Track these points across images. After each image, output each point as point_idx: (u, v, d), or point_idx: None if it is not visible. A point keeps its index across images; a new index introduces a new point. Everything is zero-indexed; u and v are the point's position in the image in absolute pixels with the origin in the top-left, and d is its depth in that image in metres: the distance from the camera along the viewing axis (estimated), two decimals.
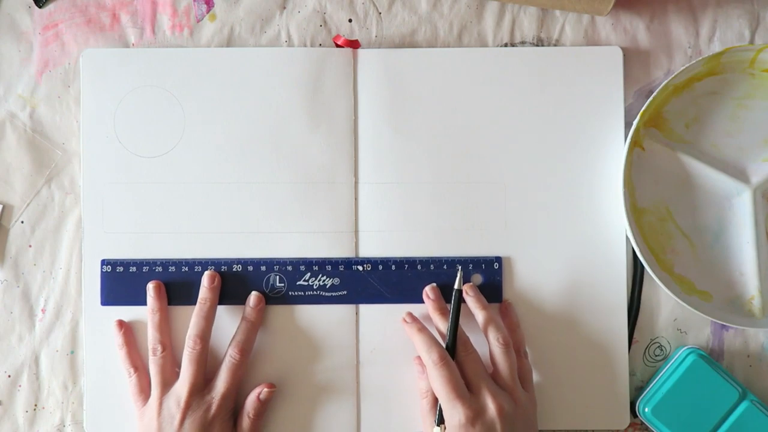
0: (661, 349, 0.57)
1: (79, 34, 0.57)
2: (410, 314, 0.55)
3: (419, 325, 0.54)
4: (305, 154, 0.56)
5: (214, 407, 0.52)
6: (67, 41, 0.57)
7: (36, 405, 0.56)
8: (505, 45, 0.57)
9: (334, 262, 0.56)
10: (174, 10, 0.57)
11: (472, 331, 0.54)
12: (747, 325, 0.55)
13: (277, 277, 0.56)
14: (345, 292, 0.56)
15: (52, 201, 0.57)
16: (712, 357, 0.56)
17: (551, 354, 0.56)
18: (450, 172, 0.56)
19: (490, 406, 0.50)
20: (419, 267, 0.56)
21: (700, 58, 0.54)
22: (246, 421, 0.53)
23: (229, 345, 0.54)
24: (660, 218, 0.57)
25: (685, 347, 0.56)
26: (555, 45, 0.57)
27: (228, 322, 0.55)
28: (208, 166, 0.56)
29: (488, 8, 0.58)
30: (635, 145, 0.56)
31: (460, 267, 0.55)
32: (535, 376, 0.56)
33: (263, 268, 0.56)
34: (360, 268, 0.56)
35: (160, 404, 0.52)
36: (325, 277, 0.56)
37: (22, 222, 0.57)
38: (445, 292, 0.55)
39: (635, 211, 0.56)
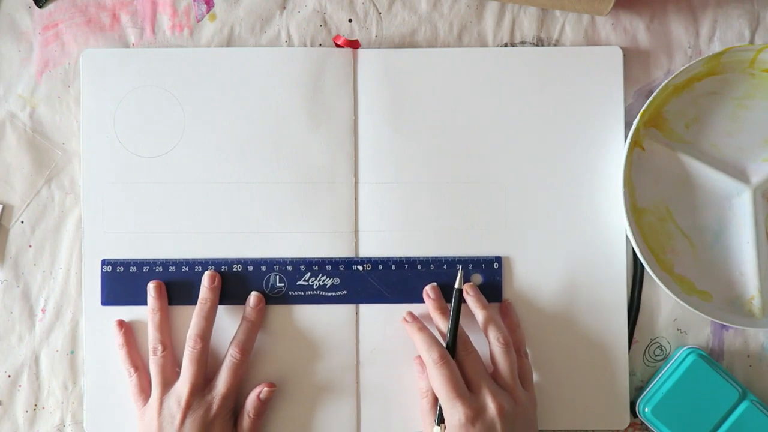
0: (661, 349, 0.57)
1: (79, 34, 0.57)
2: (411, 313, 0.55)
3: (419, 324, 0.54)
4: (305, 154, 0.56)
5: (214, 407, 0.52)
6: (67, 41, 0.57)
7: (36, 405, 0.56)
8: (505, 45, 0.57)
9: (334, 262, 0.56)
10: (174, 10, 0.57)
11: (472, 330, 0.54)
12: (747, 325, 0.55)
13: (277, 277, 0.56)
14: (345, 292, 0.56)
15: (52, 201, 0.57)
16: (712, 357, 0.56)
17: (551, 354, 0.56)
18: (450, 172, 0.56)
19: (490, 406, 0.50)
20: (419, 267, 0.56)
21: (700, 58, 0.54)
22: (246, 421, 0.53)
23: (230, 345, 0.54)
24: (660, 218, 0.57)
25: (685, 347, 0.56)
26: (555, 45, 0.57)
27: (228, 322, 0.55)
28: (208, 166, 0.56)
29: (488, 8, 0.58)
30: (635, 145, 0.56)
31: (461, 266, 0.55)
32: (535, 376, 0.56)
33: (263, 268, 0.56)
34: (360, 268, 0.56)
35: (161, 404, 0.52)
36: (325, 277, 0.56)
37: (22, 222, 0.57)
38: (445, 292, 0.55)
39: (635, 211, 0.56)
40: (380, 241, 0.56)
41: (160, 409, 0.52)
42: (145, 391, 0.54)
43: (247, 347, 0.53)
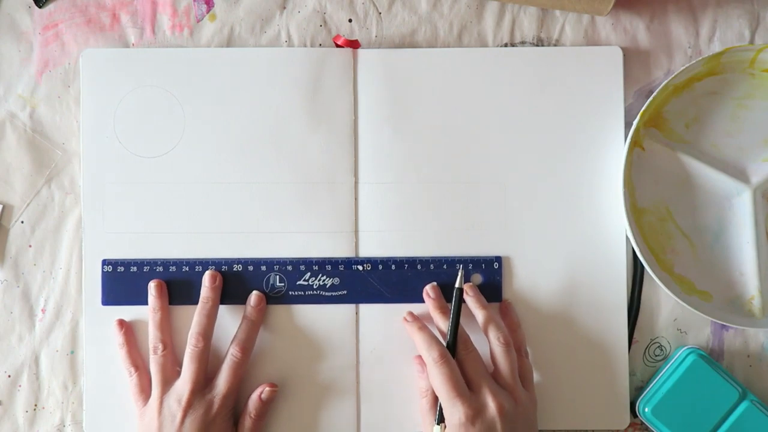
0: (661, 349, 0.57)
1: (79, 34, 0.57)
2: (411, 313, 0.55)
3: (420, 323, 0.54)
4: (305, 154, 0.56)
5: (215, 406, 0.52)
6: (67, 41, 0.57)
7: (36, 405, 0.56)
8: (505, 45, 0.57)
9: (334, 262, 0.56)
10: (174, 10, 0.57)
11: (473, 330, 0.54)
12: (747, 325, 0.55)
13: (277, 276, 0.56)
14: (345, 292, 0.56)
15: (52, 201, 0.57)
16: (712, 357, 0.56)
17: (551, 354, 0.56)
18: (450, 172, 0.56)
19: (491, 405, 0.50)
20: (419, 267, 0.56)
21: (700, 58, 0.54)
22: (248, 421, 0.53)
23: (231, 344, 0.54)
24: (660, 218, 0.57)
25: (685, 347, 0.56)
26: (555, 45, 0.57)
27: (228, 321, 0.55)
28: (208, 166, 0.56)
29: (488, 8, 0.58)
30: (635, 145, 0.56)
31: (461, 266, 0.55)
32: (535, 376, 0.56)
33: (263, 268, 0.56)
34: (360, 268, 0.56)
35: (161, 403, 0.52)
36: (325, 277, 0.56)
37: (22, 222, 0.57)
38: (445, 292, 0.55)
39: (635, 211, 0.56)
40: (380, 241, 0.56)
41: (160, 408, 0.52)
42: (145, 390, 0.54)
43: (247, 346, 0.53)
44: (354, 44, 0.56)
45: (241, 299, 0.55)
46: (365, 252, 0.56)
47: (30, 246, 0.57)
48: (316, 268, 0.56)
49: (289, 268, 0.56)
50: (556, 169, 0.56)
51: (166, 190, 0.56)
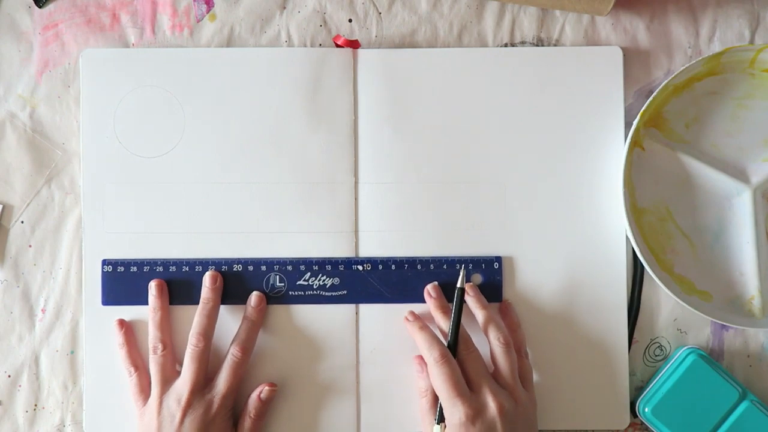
0: (661, 349, 0.57)
1: (79, 34, 0.57)
2: (412, 313, 0.55)
3: (421, 323, 0.54)
4: (305, 154, 0.56)
5: (214, 406, 0.52)
6: (67, 41, 0.57)
7: (36, 405, 0.56)
8: (505, 45, 0.57)
9: (334, 262, 0.56)
10: (174, 10, 0.57)
11: (473, 331, 0.54)
12: (747, 325, 0.55)
13: (277, 276, 0.56)
14: (345, 292, 0.56)
15: (52, 201, 0.57)
16: (712, 357, 0.56)
17: (551, 354, 0.56)
18: (450, 172, 0.56)
19: (491, 405, 0.50)
20: (419, 267, 0.56)
21: (700, 58, 0.54)
22: (247, 421, 0.53)
23: (231, 344, 0.54)
24: (660, 218, 0.57)
25: (685, 347, 0.56)
26: (555, 45, 0.57)
27: (228, 321, 0.55)
28: (208, 166, 0.56)
29: (488, 8, 0.58)
30: (635, 145, 0.56)
31: (462, 265, 0.55)
32: (535, 376, 0.56)
33: (263, 268, 0.56)
34: (360, 268, 0.56)
35: (160, 403, 0.52)
36: (325, 277, 0.56)
37: (22, 222, 0.57)
38: (445, 292, 0.55)
39: (635, 211, 0.56)
40: (380, 241, 0.56)
41: (159, 408, 0.52)
42: (144, 390, 0.54)
43: (248, 346, 0.53)
44: (354, 44, 0.56)
45: (241, 299, 0.55)
46: (365, 252, 0.56)
47: (30, 246, 0.57)
48: (316, 268, 0.56)
49: (289, 268, 0.56)
50: (556, 169, 0.56)
51: (166, 190, 0.56)
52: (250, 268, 0.56)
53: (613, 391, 0.56)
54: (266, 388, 0.54)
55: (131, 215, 0.56)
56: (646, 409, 0.54)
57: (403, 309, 0.55)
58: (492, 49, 0.57)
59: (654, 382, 0.55)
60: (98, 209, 0.56)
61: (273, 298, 0.56)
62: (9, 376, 0.56)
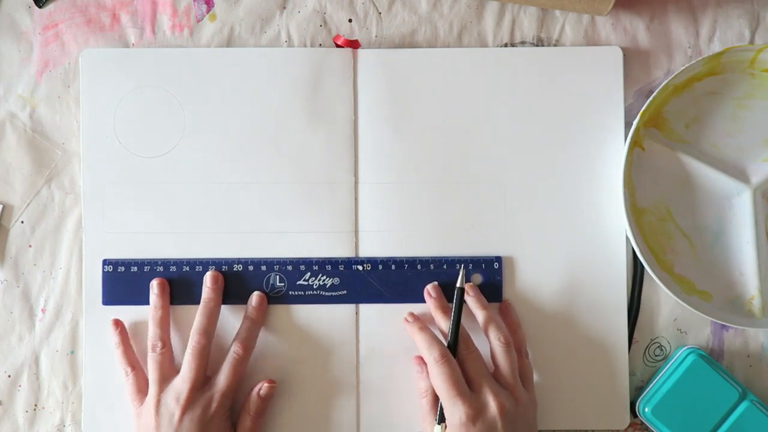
0: (661, 349, 0.57)
1: (79, 34, 0.57)
2: (412, 314, 0.55)
3: (420, 323, 0.54)
4: (305, 154, 0.56)
5: (214, 404, 0.52)
6: (67, 41, 0.57)
7: (36, 405, 0.56)
8: (505, 45, 0.57)
9: (334, 262, 0.56)
10: (174, 10, 0.57)
11: (473, 331, 0.54)
12: (747, 325, 0.55)
13: (278, 276, 0.56)
14: (345, 292, 0.56)
15: (52, 201, 0.57)
16: (712, 357, 0.56)
17: (551, 354, 0.56)
18: (450, 172, 0.56)
19: (492, 405, 0.50)
20: (419, 267, 0.56)
21: (700, 58, 0.54)
22: (247, 420, 0.53)
23: (232, 342, 0.53)
24: (660, 218, 0.57)
25: (685, 347, 0.56)
26: (555, 45, 0.57)
27: (229, 321, 0.55)
28: (208, 166, 0.56)
29: (488, 8, 0.58)
30: (635, 145, 0.56)
31: (462, 265, 0.55)
32: (535, 376, 0.56)
33: (263, 268, 0.56)
34: (360, 268, 0.56)
35: (158, 401, 0.52)
36: (325, 277, 0.56)
37: (22, 222, 0.57)
38: (445, 292, 0.55)
39: (635, 211, 0.56)
40: (380, 241, 0.56)
41: (157, 407, 0.51)
42: (142, 390, 0.54)
43: (249, 345, 0.53)
44: (354, 44, 0.56)
45: (241, 299, 0.55)
46: (365, 252, 0.56)
47: (30, 246, 0.57)
48: (316, 268, 0.56)
49: (289, 268, 0.56)
50: (556, 169, 0.56)
51: (166, 190, 0.56)
52: (250, 268, 0.56)
53: (613, 391, 0.56)
54: (265, 384, 0.54)
55: (131, 215, 0.56)
56: (646, 409, 0.54)
57: (403, 309, 0.56)
58: (492, 49, 0.57)
59: (654, 382, 0.55)
60: (98, 209, 0.56)
61: (273, 298, 0.56)
62: (9, 376, 0.56)
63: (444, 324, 0.54)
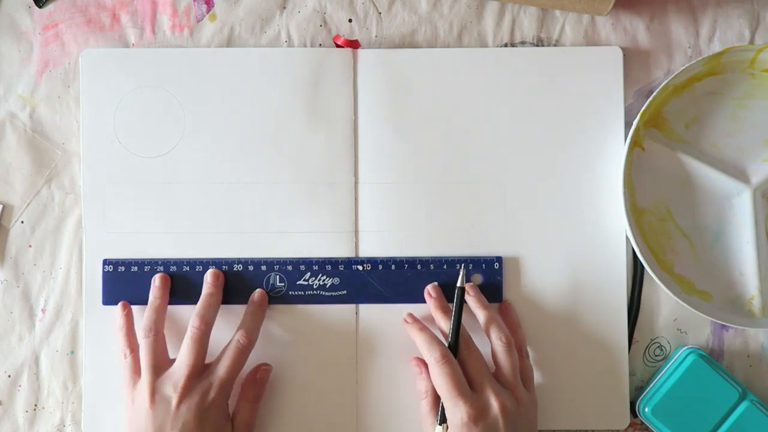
0: (661, 349, 0.57)
1: (79, 34, 0.57)
2: (411, 314, 0.55)
3: (420, 324, 0.54)
4: (305, 154, 0.56)
5: (212, 392, 0.50)
6: (67, 41, 0.57)
7: (36, 405, 0.56)
8: (505, 45, 0.57)
9: (334, 262, 0.56)
10: (174, 10, 0.57)
11: (473, 331, 0.54)
12: (747, 325, 0.55)
13: (278, 276, 0.56)
14: (345, 292, 0.56)
15: (52, 201, 0.57)
16: (712, 357, 0.56)
17: (551, 354, 0.56)
18: (450, 172, 0.56)
19: (494, 405, 0.50)
20: (419, 267, 0.56)
21: (700, 58, 0.54)
22: (245, 407, 0.53)
23: (236, 332, 0.53)
24: (660, 218, 0.57)
25: (685, 347, 0.56)
26: (555, 45, 0.57)
27: (228, 322, 0.55)
28: (208, 166, 0.56)
29: (488, 8, 0.58)
30: (635, 145, 0.56)
31: (463, 265, 0.55)
32: (536, 376, 0.56)
33: (263, 268, 0.56)
34: (360, 268, 0.56)
35: (154, 389, 0.50)
36: (325, 277, 0.56)
37: (22, 222, 0.57)
38: (445, 292, 0.55)
39: (635, 211, 0.56)
40: (380, 241, 0.56)
41: (152, 395, 0.50)
42: (138, 372, 0.52)
43: (253, 336, 0.53)
44: (354, 44, 0.56)
45: (241, 299, 0.55)
46: (365, 252, 0.56)
47: (30, 246, 0.57)
48: (316, 268, 0.56)
49: (289, 268, 0.56)
50: (556, 169, 0.56)
51: (166, 190, 0.56)
52: (250, 268, 0.56)
53: (613, 391, 0.56)
54: (261, 367, 0.53)
55: (131, 215, 0.56)
56: (646, 409, 0.54)
57: (403, 309, 0.56)
58: (492, 49, 0.57)
59: (654, 382, 0.55)
60: (98, 209, 0.56)
61: (273, 298, 0.56)
62: (9, 376, 0.56)
63: (444, 324, 0.53)
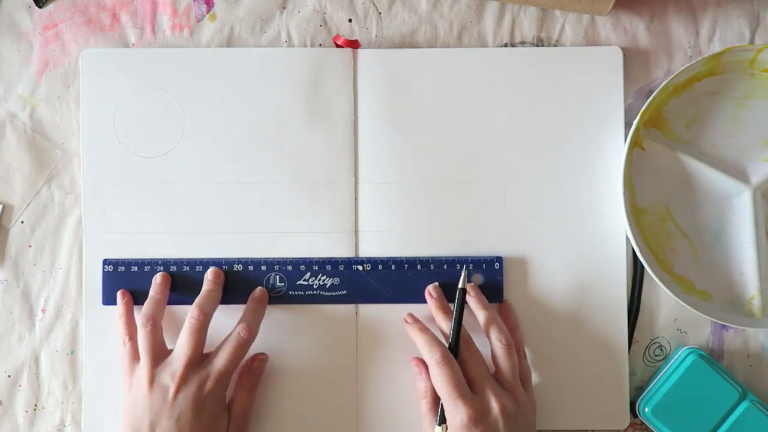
0: (661, 349, 0.57)
1: (79, 34, 0.57)
2: (411, 315, 0.55)
3: (420, 325, 0.54)
4: (305, 154, 0.56)
5: (210, 383, 0.50)
6: (67, 41, 0.57)
7: (36, 405, 0.56)
8: (505, 45, 0.57)
9: (334, 262, 0.56)
10: (174, 10, 0.57)
11: (472, 331, 0.54)
12: (747, 325, 0.55)
13: (278, 276, 0.56)
14: (345, 292, 0.56)
15: (52, 201, 0.57)
16: (712, 357, 0.56)
17: (552, 354, 0.56)
18: (450, 172, 0.56)
19: (494, 406, 0.50)
20: (419, 267, 0.56)
21: (700, 58, 0.54)
22: (242, 396, 0.53)
23: (237, 324, 0.52)
24: (660, 218, 0.57)
25: (685, 347, 0.56)
26: (555, 45, 0.57)
27: (228, 322, 0.55)
28: (208, 166, 0.56)
29: (488, 8, 0.58)
30: (635, 145, 0.56)
31: (464, 266, 0.55)
32: (536, 376, 0.56)
33: (263, 268, 0.56)
34: (360, 268, 0.56)
35: (152, 378, 0.50)
36: (325, 277, 0.56)
37: (22, 222, 0.57)
38: (445, 292, 0.55)
39: (635, 211, 0.56)
40: (380, 241, 0.56)
41: (151, 383, 0.50)
42: (137, 359, 0.52)
43: (253, 330, 0.52)
44: (354, 44, 0.56)
45: (241, 299, 0.55)
46: (365, 252, 0.56)
47: (30, 246, 0.57)
48: (316, 268, 0.56)
49: (289, 268, 0.56)
50: (556, 169, 0.56)
51: (166, 190, 0.56)
52: (250, 268, 0.56)
53: (613, 391, 0.56)
54: (258, 357, 0.53)
55: (131, 215, 0.56)
56: (646, 409, 0.54)
57: (403, 309, 0.55)
58: (492, 49, 0.57)
59: (654, 382, 0.55)
60: (98, 209, 0.56)
61: (273, 298, 0.56)
62: (9, 376, 0.56)
63: (445, 324, 0.53)
